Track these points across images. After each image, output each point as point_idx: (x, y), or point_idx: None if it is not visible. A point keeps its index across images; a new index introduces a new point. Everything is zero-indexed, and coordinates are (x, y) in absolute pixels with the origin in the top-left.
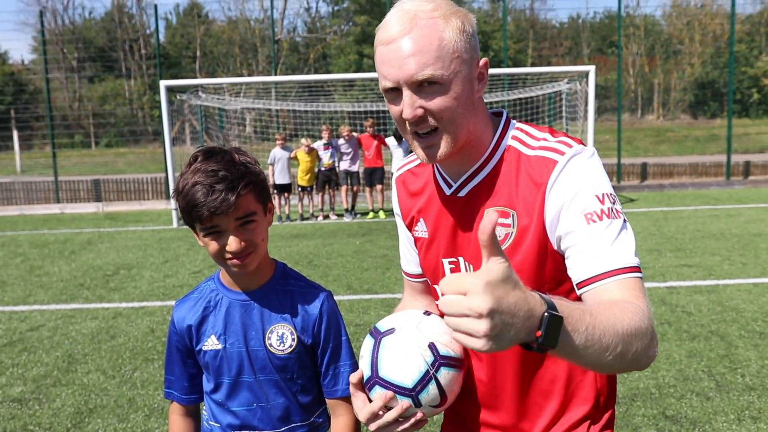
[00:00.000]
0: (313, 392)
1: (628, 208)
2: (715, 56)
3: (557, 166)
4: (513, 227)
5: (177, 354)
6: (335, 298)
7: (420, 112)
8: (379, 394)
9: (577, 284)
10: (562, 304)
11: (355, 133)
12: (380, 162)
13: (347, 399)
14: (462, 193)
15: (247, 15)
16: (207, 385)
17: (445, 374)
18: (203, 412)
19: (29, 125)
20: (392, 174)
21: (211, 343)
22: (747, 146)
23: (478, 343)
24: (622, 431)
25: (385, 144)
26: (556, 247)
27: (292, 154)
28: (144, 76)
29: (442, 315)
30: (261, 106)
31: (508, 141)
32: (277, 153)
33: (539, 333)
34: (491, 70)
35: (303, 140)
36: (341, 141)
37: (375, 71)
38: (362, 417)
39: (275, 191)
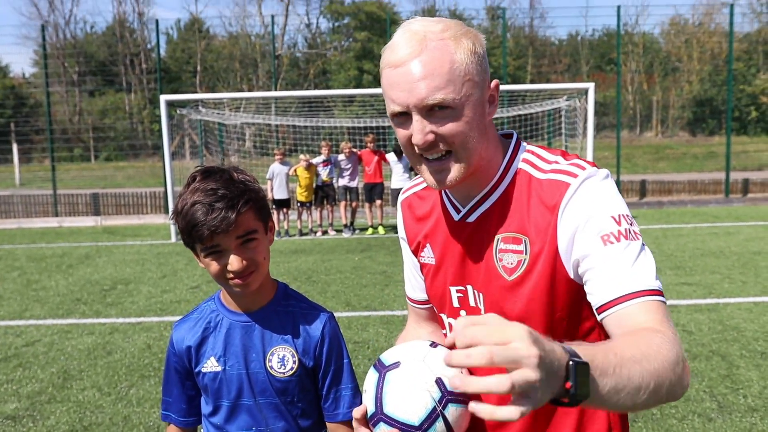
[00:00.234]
0: (314, 416)
1: None
2: (714, 74)
3: (570, 189)
4: (526, 254)
5: (175, 375)
6: (334, 314)
7: (431, 137)
8: (384, 431)
9: (597, 309)
10: (582, 349)
11: (355, 150)
12: (380, 178)
13: (348, 423)
14: (471, 219)
15: (247, 30)
16: (205, 408)
17: (453, 411)
18: None
19: (29, 138)
20: (391, 189)
21: (210, 365)
22: (745, 164)
23: (531, 399)
24: None
25: (385, 160)
26: (572, 274)
27: (291, 170)
28: (144, 91)
29: (449, 347)
30: (261, 121)
31: (519, 164)
32: (276, 168)
33: (569, 384)
34: None
35: (301, 156)
36: (341, 157)
37: (374, 87)
38: None
39: (274, 206)
